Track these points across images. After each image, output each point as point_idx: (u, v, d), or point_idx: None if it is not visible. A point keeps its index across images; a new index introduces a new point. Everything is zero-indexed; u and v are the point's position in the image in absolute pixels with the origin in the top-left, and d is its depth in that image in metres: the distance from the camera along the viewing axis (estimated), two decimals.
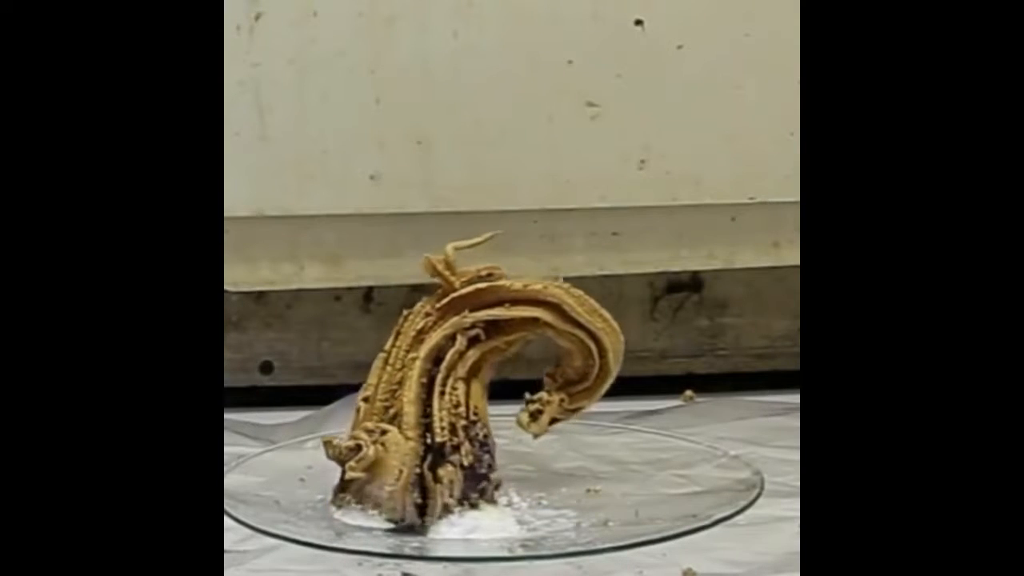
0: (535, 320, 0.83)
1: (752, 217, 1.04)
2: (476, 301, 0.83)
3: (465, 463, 0.80)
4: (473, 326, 0.82)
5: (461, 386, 0.81)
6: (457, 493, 0.80)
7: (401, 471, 0.79)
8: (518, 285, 0.83)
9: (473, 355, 0.82)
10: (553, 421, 0.85)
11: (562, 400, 0.84)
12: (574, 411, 0.85)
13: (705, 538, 0.78)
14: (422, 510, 0.80)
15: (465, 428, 0.81)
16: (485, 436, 0.82)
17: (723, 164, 1.03)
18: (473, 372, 0.82)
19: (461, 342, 0.82)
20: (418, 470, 0.80)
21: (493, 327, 0.83)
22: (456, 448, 0.80)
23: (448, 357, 0.82)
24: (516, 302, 0.83)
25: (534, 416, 0.84)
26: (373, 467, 0.80)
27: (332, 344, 1.05)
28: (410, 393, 0.81)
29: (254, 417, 1.00)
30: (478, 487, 0.81)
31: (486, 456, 0.81)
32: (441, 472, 0.80)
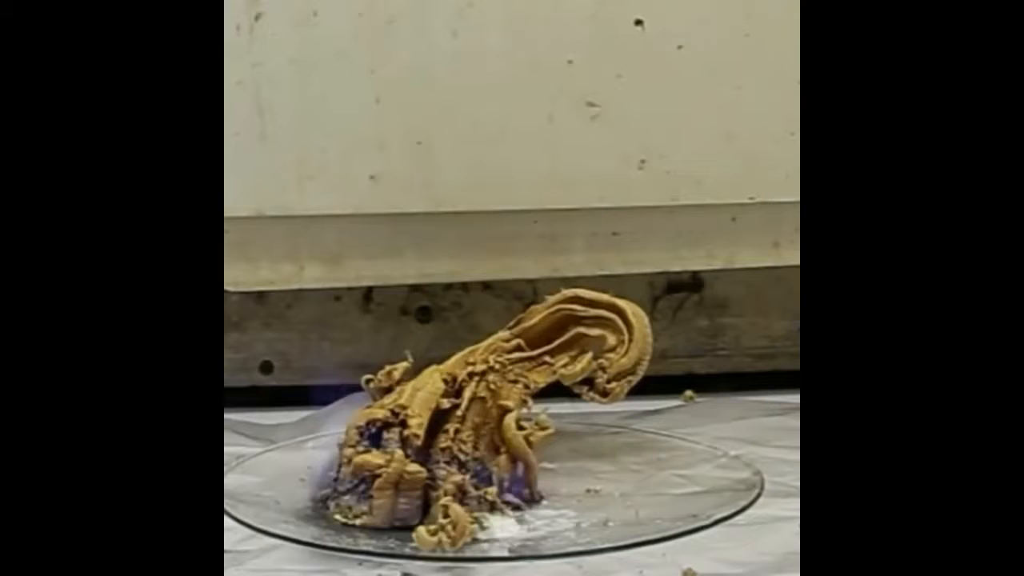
0: (564, 319, 0.87)
1: (752, 217, 1.04)
2: (516, 327, 0.88)
3: (495, 366, 0.83)
4: (511, 338, 0.86)
5: (499, 365, 0.85)
6: (481, 365, 0.83)
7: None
8: (541, 304, 0.89)
9: (517, 358, 0.86)
10: (606, 393, 0.87)
11: (601, 364, 0.86)
12: (619, 377, 0.87)
13: (705, 538, 0.78)
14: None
15: (495, 368, 0.84)
16: (519, 374, 0.85)
17: (723, 164, 1.03)
18: (520, 374, 0.85)
19: (501, 348, 0.85)
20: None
21: (534, 343, 0.87)
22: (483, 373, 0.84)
23: (484, 345, 0.85)
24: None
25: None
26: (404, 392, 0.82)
27: (332, 344, 1.05)
28: (446, 363, 0.85)
29: (254, 417, 1.00)
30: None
31: (521, 382, 0.84)
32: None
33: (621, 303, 0.88)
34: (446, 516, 0.78)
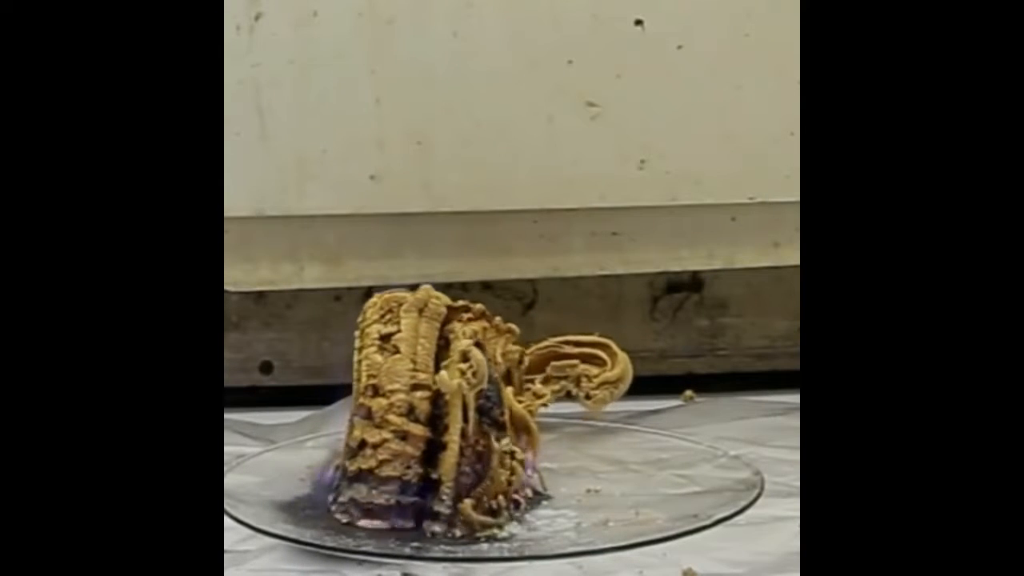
0: (550, 356, 0.92)
1: (752, 217, 1.04)
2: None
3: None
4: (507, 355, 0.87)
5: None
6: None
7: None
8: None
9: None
10: (589, 396, 0.94)
11: (588, 374, 0.93)
12: (603, 386, 0.93)
13: (705, 538, 0.78)
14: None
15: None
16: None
17: (723, 164, 1.03)
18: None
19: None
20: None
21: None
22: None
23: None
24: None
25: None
26: None
27: (332, 344, 1.05)
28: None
29: (254, 417, 1.00)
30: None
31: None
32: None
33: (606, 340, 0.94)
34: (466, 360, 0.79)
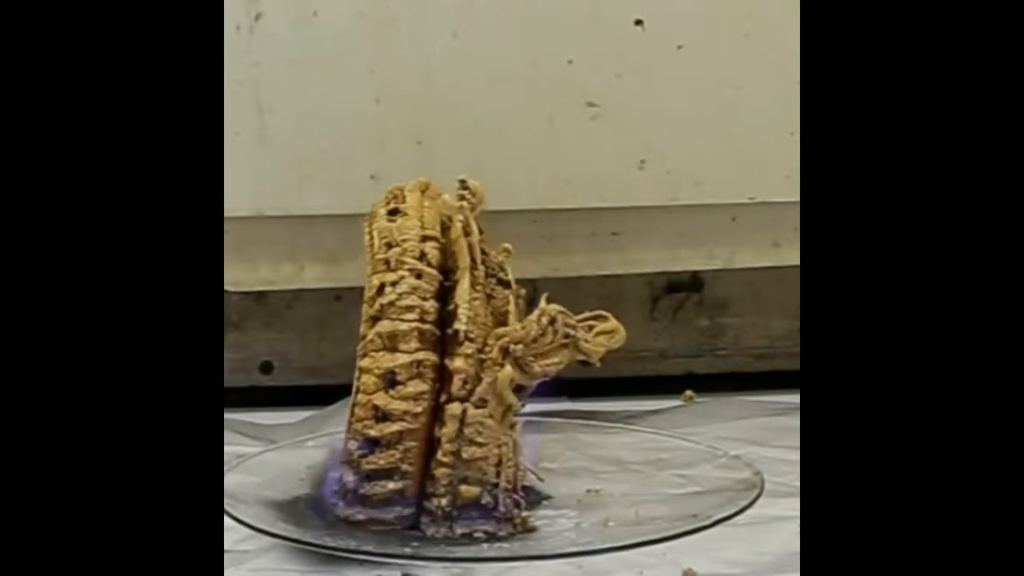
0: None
1: (752, 217, 1.04)
2: None
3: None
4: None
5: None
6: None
7: None
8: None
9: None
10: (586, 341, 0.88)
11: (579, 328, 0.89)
12: (597, 335, 0.88)
13: (705, 538, 0.78)
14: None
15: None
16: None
17: (723, 164, 1.03)
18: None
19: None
20: None
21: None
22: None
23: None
24: None
25: None
26: None
27: (332, 344, 1.05)
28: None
29: (254, 417, 1.00)
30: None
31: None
32: None
33: (600, 312, 0.90)
34: (465, 188, 0.85)
